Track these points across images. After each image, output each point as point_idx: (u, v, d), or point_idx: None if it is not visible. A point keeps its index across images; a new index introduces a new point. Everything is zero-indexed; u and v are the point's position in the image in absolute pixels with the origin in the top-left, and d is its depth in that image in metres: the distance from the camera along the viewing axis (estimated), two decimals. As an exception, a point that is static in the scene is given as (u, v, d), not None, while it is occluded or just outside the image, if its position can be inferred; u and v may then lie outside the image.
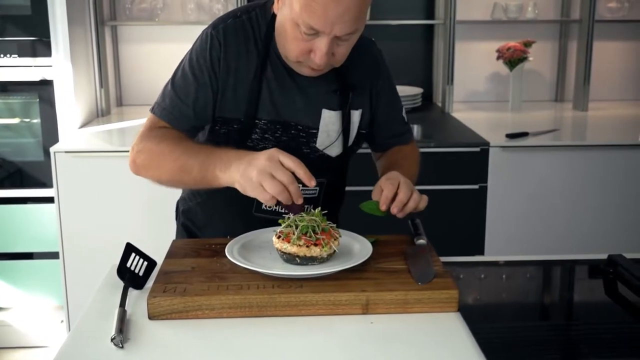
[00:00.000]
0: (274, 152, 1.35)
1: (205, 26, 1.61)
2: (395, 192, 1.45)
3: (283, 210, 1.60)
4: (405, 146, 1.78)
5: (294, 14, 1.39)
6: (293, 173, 1.35)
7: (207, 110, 1.56)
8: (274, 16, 1.53)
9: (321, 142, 1.61)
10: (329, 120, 1.61)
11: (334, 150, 1.64)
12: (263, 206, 1.60)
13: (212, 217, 1.72)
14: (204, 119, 1.58)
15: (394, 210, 1.44)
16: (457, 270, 1.57)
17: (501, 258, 1.71)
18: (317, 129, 1.60)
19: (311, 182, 1.34)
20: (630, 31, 3.73)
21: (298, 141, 1.60)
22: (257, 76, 1.54)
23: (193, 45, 1.59)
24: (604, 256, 1.54)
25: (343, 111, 1.62)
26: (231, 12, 1.61)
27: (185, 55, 1.59)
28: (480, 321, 1.32)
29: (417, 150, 1.81)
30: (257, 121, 1.56)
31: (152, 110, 1.60)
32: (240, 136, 1.57)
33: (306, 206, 1.62)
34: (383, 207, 1.45)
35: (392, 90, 1.73)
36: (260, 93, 1.55)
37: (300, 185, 1.60)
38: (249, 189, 1.35)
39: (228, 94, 1.55)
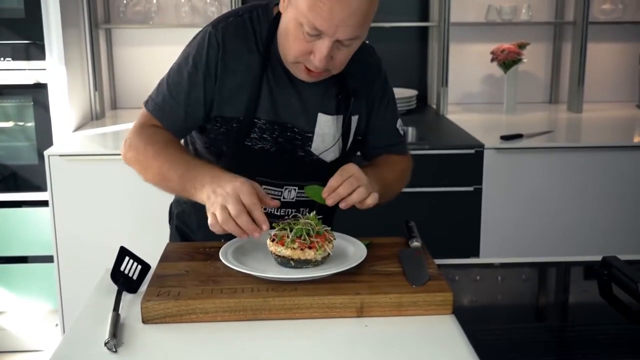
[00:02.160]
0: (237, 184, 1.34)
1: (200, 29, 1.60)
2: (342, 182, 1.43)
3: (278, 213, 1.60)
4: (395, 156, 1.73)
5: (299, 13, 1.40)
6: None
7: (199, 109, 1.56)
8: (276, 17, 1.54)
9: (316, 146, 1.61)
10: (325, 124, 1.60)
11: (329, 156, 1.63)
12: None
13: (206, 220, 1.71)
14: (195, 118, 1.57)
15: (329, 201, 1.43)
16: (452, 272, 1.57)
17: (496, 260, 1.72)
18: (313, 132, 1.60)
19: (263, 227, 1.33)
20: (624, 33, 3.74)
21: (294, 144, 1.60)
22: (257, 76, 1.54)
23: (192, 41, 1.59)
24: (599, 258, 1.54)
25: (344, 116, 1.61)
26: (233, 10, 1.61)
27: (184, 50, 1.59)
28: (475, 323, 1.32)
29: (406, 162, 1.75)
30: (256, 120, 1.56)
31: (146, 105, 1.60)
32: (238, 135, 1.57)
33: (301, 209, 1.63)
34: (324, 195, 1.44)
35: (389, 100, 1.72)
36: (260, 93, 1.55)
37: (296, 188, 1.61)
38: (209, 213, 1.35)
39: (226, 93, 1.55)
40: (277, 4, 1.52)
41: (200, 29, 1.60)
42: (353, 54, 1.53)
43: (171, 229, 1.83)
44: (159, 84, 1.60)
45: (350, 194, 1.42)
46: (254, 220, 1.33)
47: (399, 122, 1.74)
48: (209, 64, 1.54)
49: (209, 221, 1.35)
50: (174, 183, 1.46)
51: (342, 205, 1.44)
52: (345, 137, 1.64)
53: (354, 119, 1.65)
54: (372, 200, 1.44)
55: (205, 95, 1.55)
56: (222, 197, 1.34)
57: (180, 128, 1.59)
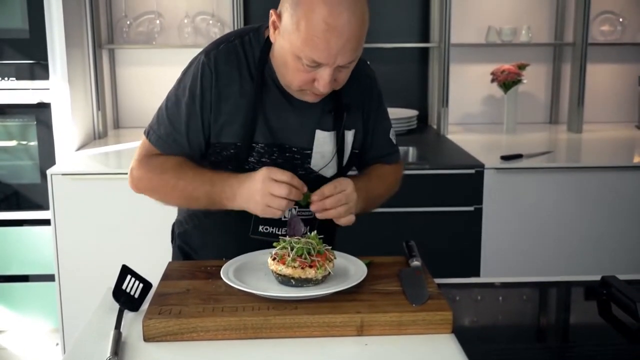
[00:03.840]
0: (264, 172, 1.45)
1: (202, 49, 1.62)
2: (331, 194, 1.49)
3: (279, 232, 1.61)
4: (386, 165, 1.76)
5: (295, 47, 1.42)
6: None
7: (199, 138, 1.58)
8: (268, 40, 1.55)
9: (315, 163, 1.62)
10: (323, 140, 1.62)
11: (329, 171, 1.65)
12: (260, 228, 1.61)
13: (208, 240, 1.73)
14: (198, 145, 1.60)
15: (313, 207, 1.50)
16: (453, 292, 1.58)
17: (497, 279, 1.72)
18: (311, 149, 1.61)
19: (304, 189, 1.46)
20: (623, 54, 3.77)
21: (293, 163, 1.61)
22: (252, 100, 1.56)
23: (186, 70, 1.60)
24: (598, 277, 1.55)
25: (337, 131, 1.63)
26: (224, 36, 1.62)
27: (179, 79, 1.61)
28: (475, 343, 1.32)
29: (399, 171, 1.80)
30: (254, 145, 1.58)
31: (147, 136, 1.62)
32: (237, 159, 1.58)
33: (305, 228, 1.63)
34: (314, 198, 1.49)
35: (383, 112, 1.74)
36: (257, 117, 1.56)
37: (297, 207, 1.62)
38: (260, 213, 1.47)
39: (222, 120, 1.56)
40: (268, 28, 1.53)
41: (202, 49, 1.62)
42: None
43: (174, 248, 1.84)
44: (159, 115, 1.62)
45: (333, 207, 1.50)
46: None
47: (392, 131, 1.77)
48: (203, 93, 1.55)
49: (262, 212, 1.46)
50: (203, 201, 1.55)
51: (319, 215, 1.51)
52: (340, 151, 1.65)
53: (350, 133, 1.66)
54: (346, 221, 1.52)
55: (203, 124, 1.57)
56: (261, 189, 1.44)
57: (187, 155, 1.61)
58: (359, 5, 1.40)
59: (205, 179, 1.53)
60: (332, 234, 1.78)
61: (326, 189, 1.49)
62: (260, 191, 1.44)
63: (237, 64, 1.56)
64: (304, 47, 1.39)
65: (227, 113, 1.56)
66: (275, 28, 1.47)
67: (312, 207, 1.50)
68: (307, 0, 1.38)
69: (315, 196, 1.49)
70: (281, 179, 1.44)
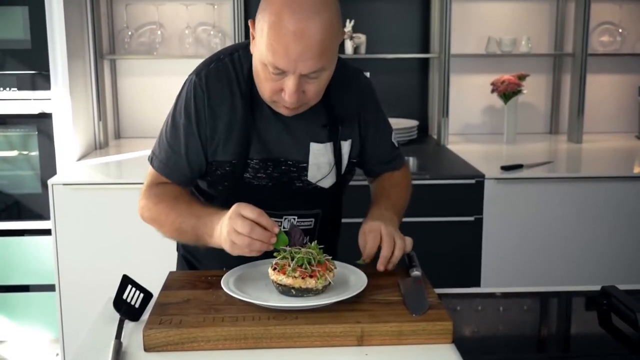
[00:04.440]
0: (234, 208, 1.40)
1: (203, 60, 1.63)
2: (378, 244, 1.50)
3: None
4: (396, 172, 1.79)
5: (261, 54, 1.42)
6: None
7: (200, 158, 1.59)
8: None
9: (312, 175, 1.62)
10: (318, 153, 1.62)
11: (327, 182, 1.65)
12: None
13: (211, 250, 1.72)
14: (198, 166, 1.60)
15: (380, 267, 1.50)
16: (453, 302, 1.58)
17: (497, 290, 1.72)
18: (307, 162, 1.62)
19: (274, 229, 1.39)
20: (623, 64, 3.78)
21: (290, 176, 1.61)
22: (244, 117, 1.56)
23: (180, 93, 1.61)
24: (598, 287, 1.55)
25: (334, 144, 1.63)
26: (214, 55, 1.63)
27: (174, 103, 1.62)
28: (476, 353, 1.32)
29: (408, 175, 1.83)
30: (249, 161, 1.58)
31: (151, 162, 1.64)
32: (234, 176, 1.59)
33: (307, 243, 1.63)
34: (366, 260, 1.51)
35: (380, 118, 1.74)
36: (250, 134, 1.57)
37: (296, 217, 1.62)
38: (229, 251, 1.42)
39: (217, 139, 1.57)
40: None
41: (203, 59, 1.63)
42: (340, 79, 1.56)
43: (178, 257, 1.85)
44: (159, 140, 1.64)
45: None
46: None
47: (393, 135, 1.77)
48: (198, 113, 1.56)
49: (230, 250, 1.40)
50: (189, 235, 1.53)
51: (389, 267, 1.51)
52: (337, 163, 1.65)
53: (346, 144, 1.66)
54: (409, 247, 1.53)
55: (202, 143, 1.58)
56: (228, 224, 1.38)
57: (188, 179, 1.62)
58: (324, 12, 1.38)
59: (194, 212, 1.52)
60: (333, 244, 1.78)
61: (370, 248, 1.51)
62: (227, 227, 1.39)
63: (227, 82, 1.56)
64: (267, 53, 1.40)
65: (222, 131, 1.56)
66: (252, 38, 1.48)
67: (380, 268, 1.50)
68: (271, 6, 1.39)
69: (367, 259, 1.51)
70: (247, 215, 1.38)
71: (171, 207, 1.55)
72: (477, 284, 2.92)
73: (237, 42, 3.33)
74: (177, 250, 1.85)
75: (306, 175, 1.62)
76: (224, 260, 1.59)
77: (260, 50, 1.42)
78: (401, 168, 1.81)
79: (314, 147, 1.61)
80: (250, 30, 1.48)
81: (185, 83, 1.61)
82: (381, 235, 1.50)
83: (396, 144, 1.78)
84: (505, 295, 1.69)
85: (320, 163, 1.62)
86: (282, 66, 1.40)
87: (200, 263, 1.77)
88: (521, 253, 2.96)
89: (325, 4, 1.39)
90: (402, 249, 1.51)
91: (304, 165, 1.61)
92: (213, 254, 1.70)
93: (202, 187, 1.68)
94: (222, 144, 1.57)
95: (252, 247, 1.37)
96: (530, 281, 2.92)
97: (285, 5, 1.37)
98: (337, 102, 1.61)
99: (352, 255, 1.59)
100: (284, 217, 1.63)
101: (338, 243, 1.83)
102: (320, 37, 1.37)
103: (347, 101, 1.64)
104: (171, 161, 1.60)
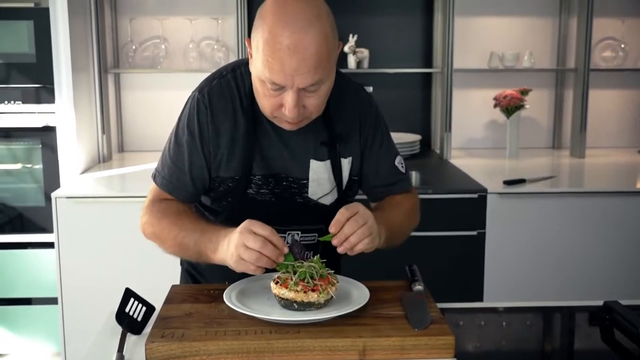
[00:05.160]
0: (245, 224, 1.40)
1: (207, 74, 1.64)
2: (347, 218, 1.42)
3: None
4: (399, 196, 1.71)
5: (258, 71, 1.43)
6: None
7: (204, 174, 1.59)
8: None
9: (313, 191, 1.62)
10: (318, 170, 1.61)
11: (328, 199, 1.64)
12: None
13: (213, 265, 1.72)
14: (201, 182, 1.60)
15: (334, 241, 1.42)
16: (456, 316, 1.57)
17: (500, 304, 1.71)
18: (307, 179, 1.61)
19: (284, 249, 1.39)
20: (625, 80, 3.79)
21: (291, 192, 1.61)
22: (246, 133, 1.56)
23: (183, 110, 1.61)
24: (601, 302, 1.54)
25: (332, 161, 1.62)
26: (217, 71, 1.63)
27: (177, 120, 1.62)
28: (477, 368, 1.32)
29: (412, 199, 1.73)
30: (251, 177, 1.59)
31: (154, 179, 1.64)
32: (236, 191, 1.59)
33: (306, 253, 1.63)
34: (331, 229, 1.42)
35: (383, 138, 1.69)
36: (252, 150, 1.57)
37: (299, 232, 1.62)
38: (234, 266, 1.41)
39: (220, 155, 1.58)
40: None
41: (208, 73, 1.64)
42: (341, 95, 1.56)
43: (181, 272, 1.85)
44: (163, 157, 1.64)
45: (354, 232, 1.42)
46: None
47: (398, 159, 1.72)
48: (201, 130, 1.56)
49: (235, 265, 1.39)
50: (191, 250, 1.52)
51: (343, 250, 1.43)
52: (338, 180, 1.64)
53: (346, 161, 1.64)
54: (361, 246, 1.44)
55: (206, 159, 1.58)
56: (238, 239, 1.38)
57: (191, 195, 1.62)
58: (317, 25, 1.38)
59: (197, 227, 1.52)
60: (337, 259, 1.78)
61: (339, 215, 1.43)
62: (235, 241, 1.38)
63: (230, 99, 1.57)
64: (264, 69, 1.40)
65: (225, 148, 1.57)
66: (250, 57, 1.48)
67: (335, 242, 1.42)
68: (264, 23, 1.40)
69: (332, 227, 1.42)
70: (259, 232, 1.37)
71: (174, 223, 1.55)
72: (480, 299, 2.92)
73: (240, 56, 3.35)
74: (181, 264, 1.85)
75: (307, 192, 1.62)
76: (227, 275, 1.59)
77: (257, 67, 1.42)
78: (405, 192, 1.73)
79: (314, 164, 1.61)
80: (248, 48, 1.49)
81: (188, 100, 1.61)
82: (356, 213, 1.43)
83: (402, 169, 1.72)
84: (508, 310, 1.68)
85: (320, 180, 1.62)
86: (279, 81, 1.40)
87: (202, 277, 1.77)
88: (524, 268, 2.95)
89: (318, 16, 1.39)
90: (365, 247, 1.43)
91: (304, 181, 1.61)
92: (215, 268, 1.70)
93: (206, 203, 1.69)
94: (225, 160, 1.58)
95: (259, 262, 1.37)
96: (533, 296, 2.91)
97: (278, 21, 1.37)
98: (337, 118, 1.61)
99: (356, 270, 1.59)
100: (288, 232, 1.63)
101: (342, 258, 1.82)
102: (315, 49, 1.37)
103: (348, 117, 1.63)
104: (174, 177, 1.60)
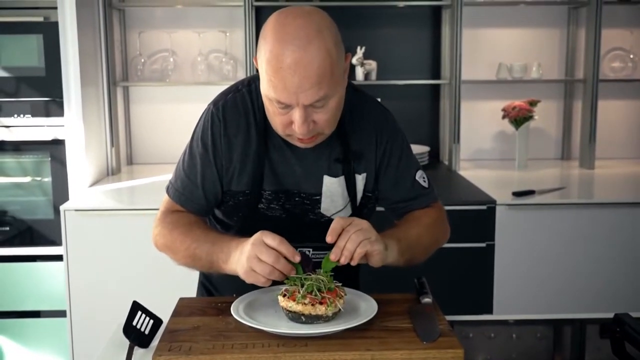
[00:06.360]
0: (257, 235, 1.40)
1: (215, 87, 1.64)
2: (341, 227, 1.41)
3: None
4: (417, 210, 1.68)
5: (265, 90, 1.43)
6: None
7: (216, 187, 1.60)
8: None
9: (326, 207, 1.61)
10: (331, 186, 1.60)
11: (342, 215, 1.61)
12: None
13: (226, 277, 1.72)
14: (214, 195, 1.61)
15: (331, 256, 1.40)
16: (465, 329, 1.57)
17: (510, 317, 1.70)
18: (320, 195, 1.60)
19: (295, 258, 1.39)
20: (634, 90, 3.78)
21: (303, 208, 1.61)
22: (258, 148, 1.56)
23: (198, 122, 1.62)
24: (611, 315, 1.53)
25: (347, 178, 1.61)
26: (233, 85, 1.64)
27: (193, 132, 1.63)
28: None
29: (433, 213, 1.69)
30: (262, 192, 1.58)
31: (167, 191, 1.65)
32: (247, 206, 1.59)
33: (317, 270, 1.60)
34: (328, 239, 1.41)
35: (402, 152, 1.66)
36: (264, 165, 1.57)
37: (311, 250, 1.61)
38: (244, 277, 1.41)
39: (232, 169, 1.58)
40: None
41: (216, 86, 1.64)
42: (357, 110, 1.55)
43: (198, 284, 1.85)
44: (177, 169, 1.65)
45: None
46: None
47: (419, 173, 1.68)
48: (215, 143, 1.57)
49: (245, 276, 1.39)
50: (203, 260, 1.52)
51: (346, 261, 1.41)
52: (352, 196, 1.62)
53: (360, 177, 1.62)
54: (376, 260, 1.42)
55: (219, 173, 1.58)
56: (251, 251, 1.38)
57: (203, 208, 1.63)
58: (317, 41, 1.36)
59: (209, 238, 1.53)
60: (355, 276, 1.76)
61: (334, 223, 1.42)
62: (247, 253, 1.38)
63: (244, 113, 1.57)
64: (269, 89, 1.40)
65: (237, 161, 1.57)
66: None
67: (332, 257, 1.40)
68: (265, 42, 1.40)
69: (328, 237, 1.41)
70: (270, 243, 1.37)
71: (186, 234, 1.55)
72: (489, 311, 2.90)
73: (248, 68, 3.36)
74: (199, 277, 1.86)
75: (319, 208, 1.61)
76: (239, 287, 1.59)
77: (263, 86, 1.43)
78: (425, 207, 1.69)
79: (327, 180, 1.60)
80: (256, 67, 1.49)
81: (203, 113, 1.62)
82: (351, 222, 1.42)
83: (424, 183, 1.68)
84: (518, 322, 1.67)
85: (334, 196, 1.61)
86: (284, 100, 1.40)
87: (217, 290, 1.78)
88: (534, 279, 2.93)
89: (319, 31, 1.38)
90: (358, 241, 1.39)
91: (317, 197, 1.60)
92: (228, 280, 1.69)
93: (219, 216, 1.69)
94: (237, 175, 1.58)
95: (271, 275, 1.37)
96: (543, 308, 2.89)
97: (278, 40, 1.37)
98: (352, 134, 1.60)
99: (364, 284, 1.58)
100: (299, 249, 1.61)
101: (359, 274, 1.80)
102: (316, 65, 1.36)
103: (363, 133, 1.61)
104: (187, 190, 1.61)
